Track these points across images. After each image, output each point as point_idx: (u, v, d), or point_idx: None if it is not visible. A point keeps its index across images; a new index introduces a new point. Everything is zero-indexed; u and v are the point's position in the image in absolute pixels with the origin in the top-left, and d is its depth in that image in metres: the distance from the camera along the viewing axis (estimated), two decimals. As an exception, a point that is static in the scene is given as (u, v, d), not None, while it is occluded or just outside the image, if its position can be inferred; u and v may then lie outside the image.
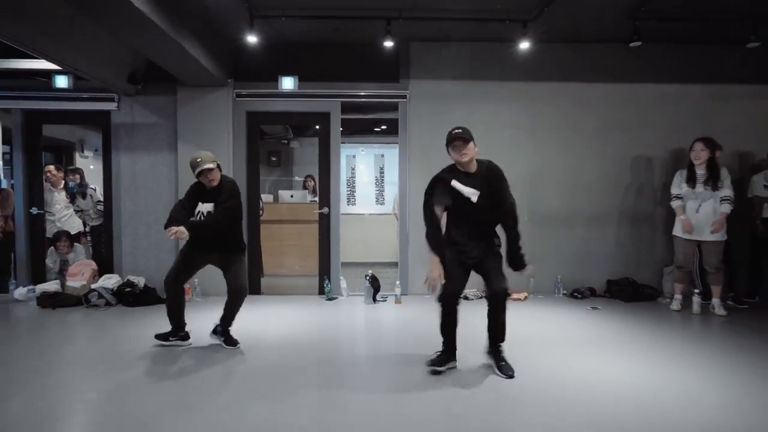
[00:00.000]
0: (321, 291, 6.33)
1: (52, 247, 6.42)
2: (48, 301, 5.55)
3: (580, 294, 6.08)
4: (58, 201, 6.80)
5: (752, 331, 4.70)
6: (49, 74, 5.87)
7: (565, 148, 6.32)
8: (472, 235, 3.56)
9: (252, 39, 5.27)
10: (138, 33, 4.30)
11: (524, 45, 5.54)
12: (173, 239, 3.87)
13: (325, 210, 6.42)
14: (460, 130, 3.51)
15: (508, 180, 3.65)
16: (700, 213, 5.21)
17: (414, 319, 5.27)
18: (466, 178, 3.54)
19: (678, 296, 5.51)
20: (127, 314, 5.33)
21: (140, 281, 5.94)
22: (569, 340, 4.40)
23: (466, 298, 5.89)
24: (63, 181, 6.90)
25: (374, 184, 10.21)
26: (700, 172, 5.25)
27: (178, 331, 4.20)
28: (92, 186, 7.01)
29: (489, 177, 3.56)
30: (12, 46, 4.42)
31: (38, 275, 6.27)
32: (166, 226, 3.86)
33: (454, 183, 3.51)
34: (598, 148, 6.32)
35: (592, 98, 6.29)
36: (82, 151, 9.18)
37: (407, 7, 5.17)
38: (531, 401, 3.14)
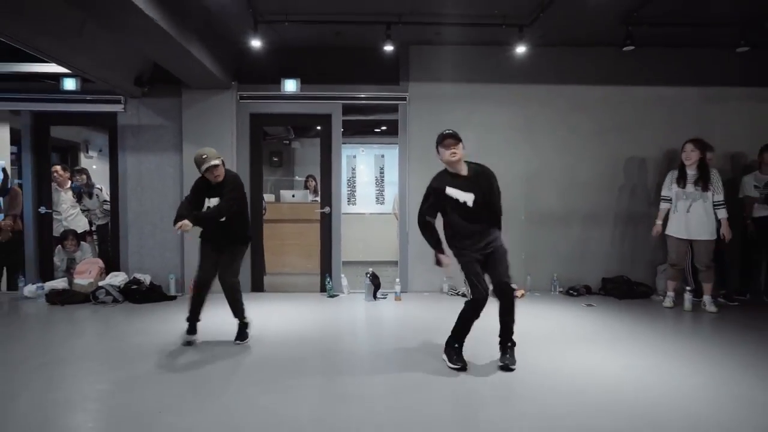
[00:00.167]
0: (322, 288, 6.47)
1: (59, 246, 6.57)
2: (57, 298, 5.69)
3: (575, 291, 6.22)
4: (64, 200, 6.96)
5: (741, 327, 4.85)
6: (57, 77, 6.01)
7: (562, 148, 6.46)
8: (473, 232, 3.66)
9: (256, 43, 5.42)
10: (147, 39, 4.44)
11: (521, 49, 5.69)
12: (179, 233, 4.02)
13: (327, 209, 6.56)
14: (451, 131, 3.67)
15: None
16: (691, 213, 5.35)
17: (414, 315, 5.42)
18: (459, 182, 3.67)
19: (671, 293, 5.65)
20: (134, 311, 5.48)
21: (146, 279, 6.08)
22: (565, 336, 4.55)
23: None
24: (69, 181, 7.06)
25: (374, 184, 10.36)
26: (691, 172, 5.40)
27: (193, 328, 4.32)
28: (98, 186, 7.16)
29: (480, 179, 3.70)
30: (19, 50, 4.58)
31: (46, 273, 6.42)
32: (175, 223, 4.00)
33: (449, 191, 3.66)
34: (594, 149, 6.46)
35: (587, 100, 6.43)
36: (87, 152, 9.33)
37: (406, 12, 5.32)
38: (530, 393, 3.28)
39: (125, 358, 3.94)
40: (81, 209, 7.07)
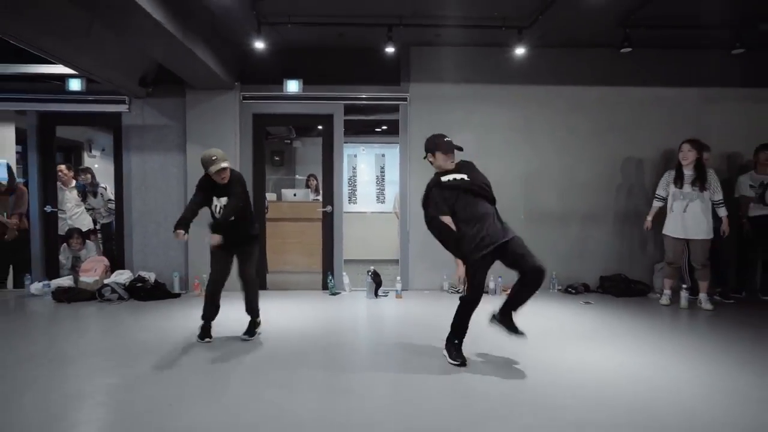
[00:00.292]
0: (324, 286, 6.56)
1: (64, 244, 6.66)
2: (63, 296, 5.78)
3: (574, 289, 6.32)
4: (69, 199, 7.05)
5: (736, 324, 4.94)
6: (62, 78, 6.10)
7: (560, 149, 6.55)
8: (481, 220, 3.67)
9: (259, 45, 5.51)
10: (153, 40, 4.53)
11: (520, 51, 5.78)
12: (213, 244, 4.08)
13: (329, 208, 6.65)
14: (451, 140, 3.80)
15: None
16: (688, 212, 5.44)
17: (415, 312, 5.51)
18: (450, 172, 3.79)
19: (667, 291, 5.74)
20: (140, 308, 5.56)
21: (151, 277, 6.17)
22: (564, 333, 4.64)
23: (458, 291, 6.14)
24: (74, 180, 7.16)
25: (375, 183, 10.44)
26: (688, 172, 5.48)
27: (207, 329, 4.40)
28: (103, 185, 7.25)
29: (465, 167, 3.83)
30: (25, 51, 4.67)
31: (52, 271, 6.51)
32: (176, 228, 4.07)
33: (444, 178, 3.75)
34: (592, 150, 6.55)
35: (585, 101, 6.52)
36: (90, 151, 9.41)
37: (407, 14, 5.40)
38: (530, 388, 3.37)
39: (133, 354, 4.03)
40: (86, 208, 7.17)
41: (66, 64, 5.15)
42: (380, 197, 10.45)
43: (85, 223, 7.15)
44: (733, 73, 6.38)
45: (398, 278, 6.31)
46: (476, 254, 3.64)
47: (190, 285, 6.33)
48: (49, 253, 6.60)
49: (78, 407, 3.08)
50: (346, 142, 6.83)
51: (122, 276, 6.12)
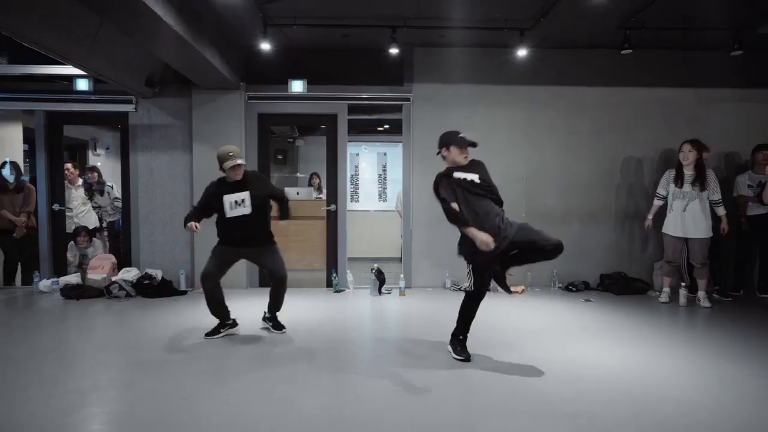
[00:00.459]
0: (328, 284, 6.65)
1: (72, 242, 6.74)
2: (72, 293, 5.87)
3: (574, 287, 6.41)
4: (75, 197, 7.15)
5: (734, 321, 5.04)
6: (70, 78, 6.18)
7: (561, 148, 6.63)
8: (488, 212, 3.71)
9: (265, 46, 5.59)
10: (164, 43, 4.61)
11: (522, 52, 5.86)
12: (190, 232, 4.17)
13: (333, 207, 6.74)
14: (465, 136, 3.84)
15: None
16: (687, 212, 5.53)
17: (418, 309, 5.60)
18: (463, 168, 3.82)
19: (666, 289, 5.84)
20: (148, 305, 5.65)
21: (158, 274, 6.26)
22: (566, 330, 4.73)
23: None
24: (80, 179, 7.24)
25: (377, 182, 10.52)
26: (688, 172, 5.57)
27: (225, 322, 4.48)
28: (109, 183, 7.33)
29: (478, 167, 3.87)
30: (34, 52, 4.75)
31: (60, 268, 6.61)
32: (186, 222, 4.19)
33: (456, 173, 3.79)
34: (592, 149, 6.64)
35: (586, 101, 6.61)
36: (95, 150, 9.48)
37: (411, 16, 5.48)
38: (532, 381, 3.46)
39: (144, 349, 4.12)
40: (92, 206, 7.25)
41: (76, 66, 5.22)
42: (382, 195, 10.54)
43: (91, 221, 7.24)
44: (731, 74, 6.46)
45: (401, 276, 6.40)
46: (483, 257, 3.67)
47: (196, 282, 6.41)
48: (57, 251, 6.69)
49: (91, 401, 3.16)
50: (348, 141, 6.91)
51: (129, 273, 6.20)
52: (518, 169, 6.57)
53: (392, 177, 10.45)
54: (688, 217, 5.52)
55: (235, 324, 4.53)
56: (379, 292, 6.24)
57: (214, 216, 4.37)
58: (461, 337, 3.93)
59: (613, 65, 6.46)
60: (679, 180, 5.59)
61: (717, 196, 5.54)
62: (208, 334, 4.41)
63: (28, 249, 6.64)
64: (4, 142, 6.83)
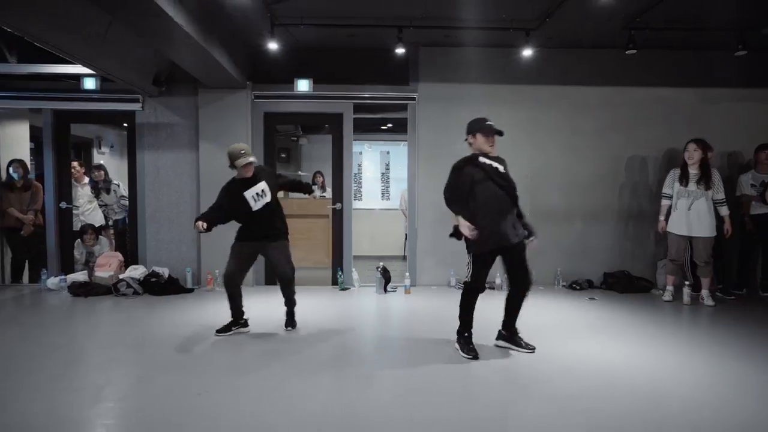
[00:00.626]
0: (334, 282, 6.70)
1: (78, 240, 6.78)
2: (80, 290, 5.91)
3: (578, 286, 6.45)
4: (81, 196, 7.19)
5: (736, 320, 5.08)
6: (77, 77, 6.21)
7: (564, 148, 6.67)
8: (498, 212, 3.80)
9: (272, 45, 5.62)
10: (174, 43, 4.64)
11: (527, 52, 5.90)
12: (199, 231, 4.23)
13: (338, 205, 6.78)
14: (493, 124, 3.89)
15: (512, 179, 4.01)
16: (692, 210, 5.56)
17: (424, 307, 5.66)
18: (489, 159, 3.90)
19: (670, 288, 5.87)
20: (155, 302, 5.69)
21: (165, 272, 6.29)
22: (571, 328, 4.79)
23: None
24: (86, 177, 7.28)
25: (380, 180, 10.57)
26: (693, 171, 5.61)
27: (239, 320, 4.53)
28: (116, 182, 7.37)
29: (502, 161, 3.96)
30: (41, 51, 4.80)
31: (67, 266, 6.65)
32: (197, 220, 4.27)
33: (482, 159, 3.85)
34: (596, 148, 6.68)
35: (589, 101, 6.65)
36: (99, 148, 9.52)
37: (418, 16, 5.51)
38: (540, 378, 3.52)
39: (154, 346, 4.17)
40: (99, 204, 7.30)
41: (86, 65, 5.25)
42: (385, 194, 10.58)
43: (97, 219, 7.28)
44: (734, 73, 6.49)
45: (407, 274, 6.44)
46: (481, 247, 3.79)
47: (202, 280, 6.46)
48: (64, 249, 6.73)
49: (106, 396, 3.21)
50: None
51: (136, 271, 6.25)
52: (522, 169, 6.53)
53: (395, 176, 10.50)
54: (693, 215, 5.56)
55: (246, 324, 4.57)
56: (385, 290, 6.28)
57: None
58: (466, 334, 3.98)
59: (616, 65, 6.49)
60: (684, 179, 5.63)
61: (720, 195, 5.59)
62: (219, 331, 4.45)
63: (35, 247, 6.69)
64: (11, 141, 6.86)
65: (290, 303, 4.67)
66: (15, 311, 5.47)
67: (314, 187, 8.75)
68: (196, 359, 3.88)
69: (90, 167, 7.73)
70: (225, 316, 4.57)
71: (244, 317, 4.57)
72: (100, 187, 7.29)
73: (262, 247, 4.50)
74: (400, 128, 9.40)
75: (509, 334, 4.08)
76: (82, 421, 2.90)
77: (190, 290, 6.27)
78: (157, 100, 6.54)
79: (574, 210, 6.71)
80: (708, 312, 5.41)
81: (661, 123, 6.63)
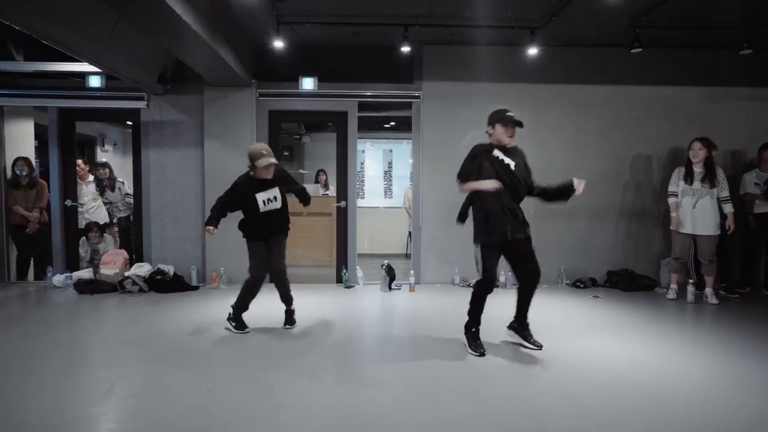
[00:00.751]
0: (338, 280, 6.72)
1: (83, 237, 6.81)
2: (86, 288, 5.94)
3: (582, 284, 6.48)
4: (86, 193, 7.22)
5: (739, 318, 5.11)
6: (82, 75, 6.22)
7: (567, 146, 6.68)
8: (502, 206, 3.83)
9: (278, 44, 5.64)
10: (181, 42, 4.64)
11: (532, 51, 5.92)
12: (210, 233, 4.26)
13: (343, 204, 6.80)
14: (515, 115, 3.89)
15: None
16: (697, 209, 5.59)
17: (428, 304, 5.68)
18: (504, 152, 3.93)
19: (674, 286, 5.90)
20: (161, 300, 5.71)
21: (170, 270, 6.32)
22: (574, 325, 4.81)
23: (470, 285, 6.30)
24: (90, 175, 7.30)
25: (382, 179, 10.58)
26: (698, 170, 5.63)
27: (244, 327, 4.53)
28: (121, 179, 7.39)
29: (518, 154, 4.00)
30: (47, 49, 4.79)
31: (72, 264, 6.67)
32: (207, 224, 4.37)
33: (496, 152, 3.90)
34: (599, 147, 6.69)
35: (593, 99, 6.66)
36: (103, 146, 9.55)
37: (423, 14, 5.53)
38: (547, 375, 3.55)
39: (161, 343, 4.19)
40: (103, 202, 7.32)
41: (92, 63, 5.26)
42: (388, 192, 10.59)
43: (101, 216, 7.31)
44: (738, 72, 6.50)
45: (411, 272, 6.46)
46: (487, 239, 3.83)
47: (207, 278, 6.48)
48: (69, 246, 6.75)
49: (115, 393, 3.23)
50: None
51: (142, 269, 6.27)
52: (526, 167, 6.61)
53: (398, 174, 10.51)
54: (697, 214, 5.58)
55: (246, 331, 4.55)
56: (389, 287, 6.30)
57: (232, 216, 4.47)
58: (474, 329, 4.00)
59: (619, 63, 6.50)
60: (688, 177, 5.65)
61: (725, 193, 5.60)
62: (234, 323, 4.50)
63: (40, 244, 6.70)
64: (16, 139, 6.87)
65: (288, 300, 4.70)
66: (21, 308, 5.49)
67: (318, 186, 8.86)
68: (202, 357, 3.91)
69: (94, 165, 7.75)
70: (219, 312, 4.62)
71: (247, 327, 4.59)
72: (105, 185, 7.31)
73: (271, 243, 4.56)
74: (402, 126, 9.44)
75: (520, 326, 4.12)
76: (88, 418, 2.91)
77: (195, 288, 6.30)
78: (162, 98, 6.56)
79: (578, 208, 6.70)
80: (712, 310, 5.43)
81: (664, 122, 6.64)
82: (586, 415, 2.93)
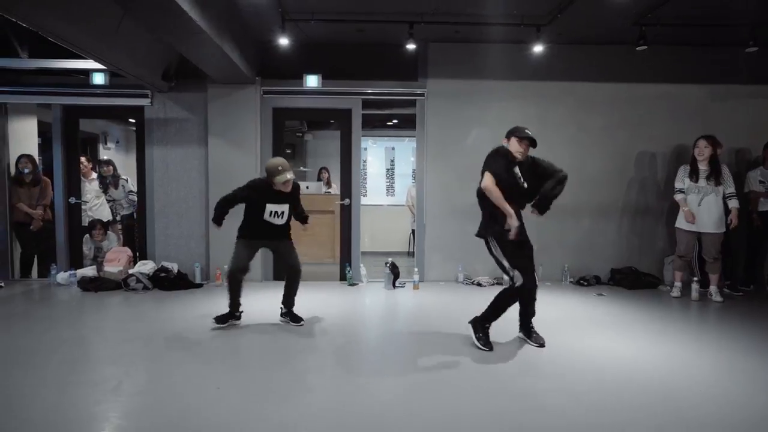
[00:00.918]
0: (342, 277, 6.72)
1: (87, 235, 6.81)
2: (90, 285, 5.94)
3: (586, 282, 6.48)
4: (89, 191, 7.22)
5: (744, 316, 5.11)
6: (86, 72, 6.21)
7: (572, 144, 6.66)
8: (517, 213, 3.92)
9: (283, 41, 5.63)
10: (187, 39, 4.62)
11: (538, 48, 5.91)
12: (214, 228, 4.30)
13: (347, 201, 6.80)
14: (531, 133, 3.97)
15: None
16: (702, 206, 5.59)
17: (432, 302, 5.67)
18: (518, 166, 3.98)
19: (678, 284, 5.90)
20: (165, 297, 5.72)
21: (174, 267, 6.32)
22: (578, 323, 4.81)
23: (479, 284, 6.31)
24: (93, 172, 7.30)
25: (385, 176, 10.57)
26: (703, 167, 5.63)
27: (235, 313, 4.59)
28: (124, 177, 7.39)
29: (530, 165, 4.04)
30: (51, 46, 4.81)
31: (76, 261, 6.67)
32: (217, 220, 4.45)
33: (516, 170, 3.96)
34: (603, 145, 6.69)
35: (597, 97, 6.65)
36: (105, 143, 9.54)
37: (429, 11, 5.52)
38: (553, 372, 3.56)
39: (166, 340, 4.20)
40: (107, 199, 7.32)
41: (97, 59, 5.25)
42: (390, 190, 10.59)
43: (104, 214, 7.31)
44: (742, 70, 6.50)
45: (416, 269, 6.46)
46: (506, 236, 3.87)
47: (211, 275, 6.48)
48: (73, 244, 6.74)
49: (122, 390, 3.23)
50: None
51: (146, 266, 6.26)
52: (530, 165, 6.61)
53: (400, 171, 10.51)
54: (703, 211, 5.58)
55: (239, 317, 4.63)
56: (393, 285, 6.30)
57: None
58: (486, 325, 4.01)
59: (624, 61, 6.49)
60: (694, 175, 5.65)
61: (731, 189, 5.60)
62: (218, 321, 4.52)
63: (44, 242, 6.70)
64: (19, 136, 6.86)
65: (291, 299, 4.73)
66: (25, 306, 5.50)
67: (320, 183, 8.85)
68: (206, 354, 3.91)
69: (97, 162, 7.75)
70: (218, 309, 4.62)
71: (240, 310, 4.63)
72: (108, 182, 7.30)
73: (267, 244, 4.65)
74: (405, 124, 9.43)
75: (524, 328, 4.18)
76: (92, 416, 2.91)
77: (199, 285, 6.30)
78: (166, 95, 6.55)
79: (582, 206, 6.72)
80: (716, 308, 5.44)
81: (669, 119, 6.63)
82: (589, 413, 2.93)
